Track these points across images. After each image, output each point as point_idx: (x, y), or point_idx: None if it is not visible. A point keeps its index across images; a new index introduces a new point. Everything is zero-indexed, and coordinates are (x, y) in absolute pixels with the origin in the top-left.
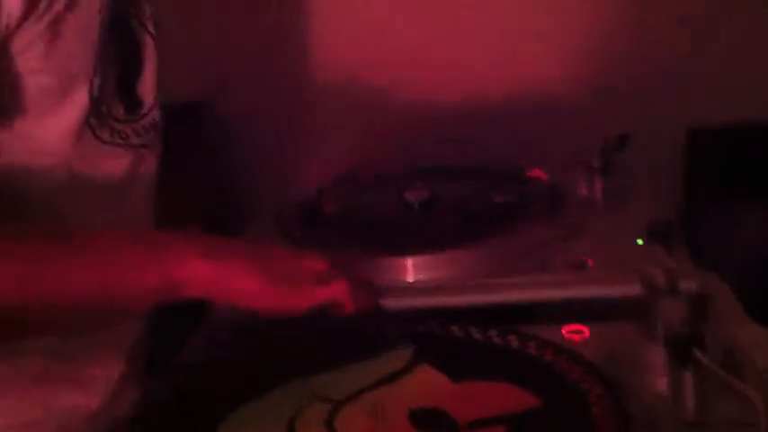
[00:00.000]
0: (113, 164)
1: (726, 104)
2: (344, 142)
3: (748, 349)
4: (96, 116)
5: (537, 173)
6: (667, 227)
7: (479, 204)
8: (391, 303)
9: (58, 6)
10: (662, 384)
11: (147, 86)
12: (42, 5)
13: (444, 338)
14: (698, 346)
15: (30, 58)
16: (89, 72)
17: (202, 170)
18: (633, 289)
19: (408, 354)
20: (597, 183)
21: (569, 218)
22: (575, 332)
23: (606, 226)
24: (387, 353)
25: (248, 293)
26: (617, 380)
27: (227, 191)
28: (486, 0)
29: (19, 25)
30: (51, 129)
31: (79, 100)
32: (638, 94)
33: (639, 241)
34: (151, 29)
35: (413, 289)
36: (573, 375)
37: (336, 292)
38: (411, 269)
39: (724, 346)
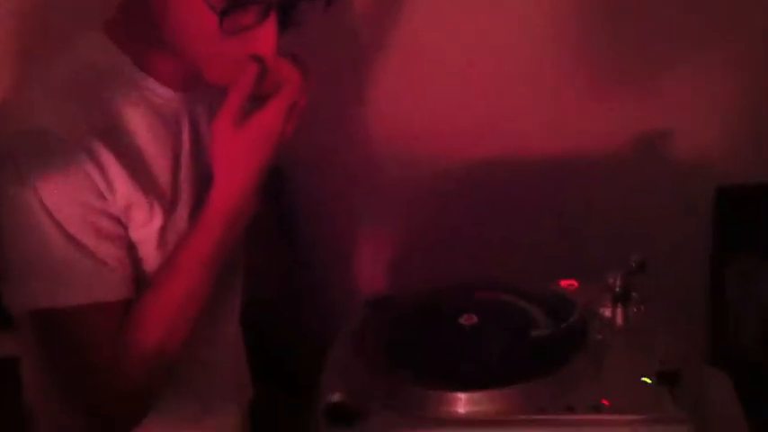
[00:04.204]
0: None
1: None
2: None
3: None
4: None
5: (569, 283)
6: (676, 374)
7: (521, 340)
8: None
9: None
10: None
11: None
12: None
13: None
14: None
15: None
16: None
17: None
18: None
19: None
20: (619, 310)
21: (594, 356)
22: None
23: (624, 357)
24: None
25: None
26: None
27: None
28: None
29: None
30: None
31: None
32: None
33: (647, 380)
34: None
35: (460, 421)
36: None
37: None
38: (461, 403)
39: None
